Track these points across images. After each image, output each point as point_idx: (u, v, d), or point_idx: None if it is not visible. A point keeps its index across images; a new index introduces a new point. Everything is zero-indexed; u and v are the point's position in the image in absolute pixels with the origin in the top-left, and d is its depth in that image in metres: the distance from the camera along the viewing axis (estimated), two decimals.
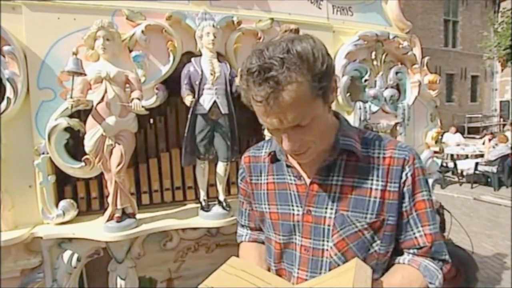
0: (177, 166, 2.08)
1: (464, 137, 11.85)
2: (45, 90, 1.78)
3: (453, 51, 19.47)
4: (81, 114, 1.80)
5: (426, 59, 2.72)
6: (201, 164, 1.89)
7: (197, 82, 1.81)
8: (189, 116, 1.82)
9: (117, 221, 1.75)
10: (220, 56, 1.95)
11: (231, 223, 1.93)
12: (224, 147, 1.88)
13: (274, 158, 1.00)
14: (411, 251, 0.91)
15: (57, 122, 1.75)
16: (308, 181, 0.92)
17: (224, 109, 1.85)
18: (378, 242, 0.88)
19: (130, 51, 1.87)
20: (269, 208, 0.99)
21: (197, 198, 2.07)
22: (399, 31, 2.67)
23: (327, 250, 0.89)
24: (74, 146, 1.82)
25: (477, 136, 13.66)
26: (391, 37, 2.45)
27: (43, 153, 1.77)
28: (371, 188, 0.87)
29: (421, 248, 0.89)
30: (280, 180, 0.98)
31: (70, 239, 1.80)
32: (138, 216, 1.86)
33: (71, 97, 1.60)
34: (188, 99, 1.77)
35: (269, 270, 1.02)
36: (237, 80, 1.86)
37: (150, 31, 1.90)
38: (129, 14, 1.87)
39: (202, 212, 1.91)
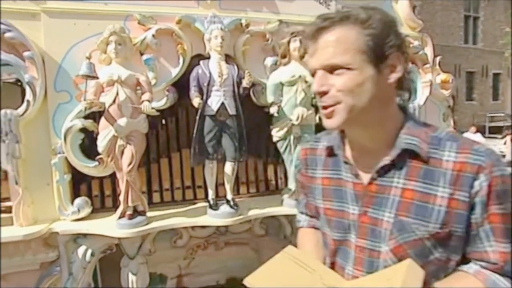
0: (187, 166, 2.13)
1: (485, 137, 11.51)
2: (62, 93, 1.87)
3: (473, 48, 18.92)
4: (95, 115, 1.87)
5: (438, 58, 2.69)
6: (209, 164, 1.94)
7: (205, 84, 1.86)
8: (197, 117, 1.87)
9: (129, 219, 1.82)
10: (228, 58, 1.99)
11: (239, 222, 1.97)
12: (232, 148, 1.92)
13: (331, 153, 0.95)
14: (480, 263, 0.81)
15: (72, 123, 1.83)
16: (365, 180, 0.86)
17: (232, 110, 1.89)
18: (441, 250, 0.80)
19: (142, 54, 1.94)
20: (323, 204, 0.96)
21: (206, 197, 2.12)
22: (410, 30, 2.64)
23: (383, 252, 0.84)
24: (89, 146, 1.89)
25: (499, 136, 13.24)
26: None
27: (59, 153, 1.86)
28: (435, 195, 0.78)
29: (491, 263, 0.80)
30: (336, 176, 0.94)
31: (84, 235, 1.89)
32: (149, 214, 1.92)
33: (85, 100, 1.67)
34: (196, 101, 1.82)
35: (325, 259, 1.00)
36: (244, 82, 1.90)
37: (161, 35, 1.96)
38: (140, 18, 1.94)
39: (210, 210, 1.95)
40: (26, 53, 1.78)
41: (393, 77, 0.79)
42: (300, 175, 1.06)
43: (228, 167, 1.95)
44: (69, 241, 1.90)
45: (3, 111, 1.75)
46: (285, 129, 2.01)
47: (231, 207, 1.96)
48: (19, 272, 1.86)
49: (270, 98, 2.03)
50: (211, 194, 1.99)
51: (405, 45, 0.81)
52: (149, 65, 1.93)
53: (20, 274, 1.87)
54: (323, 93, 0.79)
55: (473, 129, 10.06)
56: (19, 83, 1.91)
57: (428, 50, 2.68)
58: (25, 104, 1.81)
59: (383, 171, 0.83)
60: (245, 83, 1.89)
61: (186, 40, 1.99)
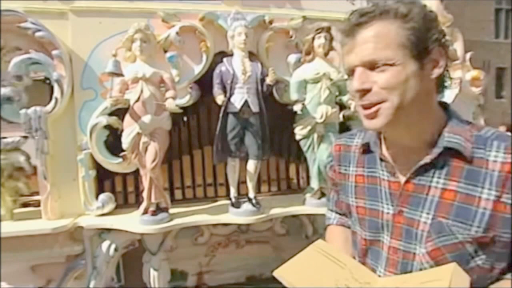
0: (209, 163, 2.13)
1: None
2: (88, 90, 1.90)
3: (504, 43, 18.06)
4: (120, 112, 1.89)
5: (469, 54, 2.57)
6: (232, 161, 1.93)
7: (228, 82, 1.85)
8: (220, 114, 1.86)
9: (152, 215, 1.83)
10: (251, 56, 1.97)
11: (261, 220, 1.95)
12: (255, 145, 1.90)
13: (367, 150, 0.92)
14: None
15: (97, 120, 1.86)
16: (402, 179, 0.83)
17: (255, 108, 1.87)
18: (483, 257, 0.75)
19: (165, 51, 1.95)
20: (356, 202, 0.94)
21: (228, 195, 2.11)
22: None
23: (418, 255, 0.81)
24: (113, 143, 1.92)
25: None
26: None
27: (85, 149, 1.90)
28: (480, 197, 0.74)
29: None
30: (371, 174, 0.91)
31: (108, 230, 1.92)
32: (171, 210, 1.93)
33: (111, 97, 1.70)
34: (220, 98, 1.81)
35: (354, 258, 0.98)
36: (268, 79, 1.87)
37: (184, 32, 1.96)
38: (164, 16, 1.94)
39: (232, 208, 1.95)
40: (54, 52, 1.82)
41: (436, 72, 0.76)
42: (332, 172, 1.04)
43: (251, 165, 1.94)
44: (93, 236, 1.94)
45: (33, 108, 1.79)
46: (309, 127, 1.97)
47: (253, 205, 1.94)
48: (47, 264, 1.92)
49: (293, 96, 1.99)
50: (233, 192, 1.98)
51: (446, 40, 0.78)
52: (172, 62, 1.93)
53: (48, 266, 1.93)
54: (365, 91, 0.76)
55: (502, 128, 9.65)
56: (48, 81, 1.95)
57: (458, 46, 2.57)
58: (53, 101, 1.85)
59: (422, 170, 0.80)
60: (268, 80, 1.87)
61: (209, 37, 1.98)
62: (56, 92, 1.84)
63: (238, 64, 1.87)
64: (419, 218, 0.80)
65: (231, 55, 1.94)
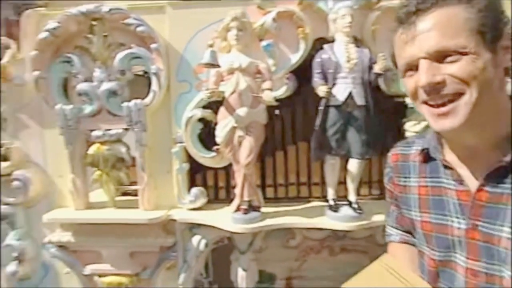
0: (304, 160, 1.97)
1: None
2: (183, 83, 1.88)
3: None
4: (214, 105, 1.83)
5: None
6: (331, 160, 1.74)
7: (330, 71, 1.65)
8: (320, 107, 1.68)
9: (243, 213, 1.75)
10: (356, 41, 1.74)
11: (362, 227, 1.73)
12: (359, 143, 1.67)
13: (427, 157, 0.84)
14: None
15: (192, 113, 1.83)
16: (473, 187, 0.74)
17: (360, 100, 1.65)
18: None
19: (260, 40, 1.82)
20: (420, 216, 0.85)
21: (323, 196, 1.93)
22: None
23: (506, 279, 0.68)
24: (206, 137, 1.87)
25: None
26: None
27: (179, 142, 1.88)
28: None
29: None
30: (435, 184, 0.82)
31: (199, 225, 1.90)
32: (263, 209, 1.82)
33: (207, 89, 1.64)
34: (322, 90, 1.63)
35: None
36: (377, 67, 1.63)
37: (281, 18, 1.81)
38: (260, 2, 1.82)
39: (329, 212, 1.76)
40: (153, 45, 1.83)
41: (507, 59, 0.69)
42: (391, 184, 0.97)
43: (353, 164, 1.72)
44: (185, 229, 1.94)
45: (133, 101, 1.84)
46: (423, 124, 1.67)
47: (354, 210, 1.72)
48: (143, 252, 1.98)
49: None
50: (331, 193, 1.79)
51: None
52: (268, 51, 1.80)
53: (143, 254, 1.99)
54: (435, 86, 0.67)
55: None
56: (146, 75, 1.98)
57: None
58: (151, 94, 1.87)
59: (496, 176, 0.70)
60: (377, 68, 1.62)
61: (307, 22, 1.80)
62: (154, 85, 1.86)
63: (341, 51, 1.66)
64: (499, 233, 0.69)
65: (332, 41, 1.73)
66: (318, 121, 1.69)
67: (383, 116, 1.83)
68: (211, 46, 1.66)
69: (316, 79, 1.69)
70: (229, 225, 1.77)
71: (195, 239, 1.91)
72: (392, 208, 1.02)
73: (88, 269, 1.96)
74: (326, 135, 1.70)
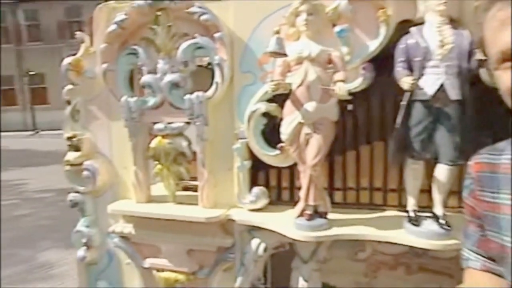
0: (379, 163, 1.72)
1: None
2: (247, 74, 1.76)
3: None
4: (279, 99, 1.68)
5: None
6: (413, 164, 1.48)
7: (417, 59, 1.39)
8: (402, 102, 1.43)
9: (308, 219, 1.57)
10: (452, 22, 1.44)
11: (449, 248, 1.44)
12: (450, 146, 1.39)
13: None
14: None
15: (256, 107, 1.71)
16: None
17: (454, 94, 1.36)
18: None
19: (334, 25, 1.61)
20: None
21: (400, 205, 1.67)
22: None
23: None
24: (270, 133, 1.73)
25: None
26: None
27: (241, 138, 1.77)
28: None
29: None
30: None
31: (259, 228, 1.77)
32: (329, 216, 1.63)
33: (272, 81, 1.49)
34: (406, 81, 1.37)
35: None
36: (479, 53, 1.32)
37: (357, 0, 1.58)
38: None
39: (409, 225, 1.50)
40: (217, 34, 1.74)
41: None
42: (472, 198, 0.83)
43: (442, 171, 1.43)
44: (244, 231, 1.82)
45: (195, 94, 1.77)
46: None
47: (440, 225, 1.44)
48: (200, 250, 1.92)
49: None
50: (412, 203, 1.53)
51: None
52: (342, 37, 1.59)
53: (200, 253, 1.93)
54: None
55: None
56: (209, 66, 1.91)
57: None
58: (213, 86, 1.79)
59: None
60: (480, 55, 1.32)
61: (390, 2, 1.54)
62: (217, 77, 1.77)
63: (433, 34, 1.38)
64: None
65: (421, 23, 1.46)
66: (399, 119, 1.44)
67: (484, 112, 1.51)
68: (277, 32, 1.51)
69: (399, 68, 1.44)
70: (291, 231, 1.61)
71: (254, 242, 1.79)
72: (472, 228, 0.85)
73: (147, 263, 1.96)
74: (408, 135, 1.44)
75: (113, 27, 1.81)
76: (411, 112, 1.43)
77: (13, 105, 25.51)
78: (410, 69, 1.42)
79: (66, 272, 4.04)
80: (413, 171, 1.49)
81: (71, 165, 2.01)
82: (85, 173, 1.99)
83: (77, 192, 2.06)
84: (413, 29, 1.45)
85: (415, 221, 1.50)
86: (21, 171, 10.71)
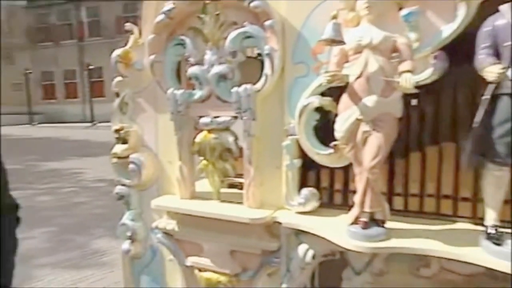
0: (448, 167, 1.50)
1: None
2: (299, 65, 1.62)
3: None
4: (335, 92, 1.52)
5: None
6: (495, 170, 1.24)
7: (507, 43, 1.16)
8: (484, 97, 1.20)
9: (363, 228, 1.40)
10: None
11: None
12: None
13: None
14: None
15: (308, 101, 1.56)
16: None
17: None
18: None
19: (400, 8, 1.42)
20: None
21: (474, 217, 1.44)
22: None
23: None
24: (324, 130, 1.58)
25: None
26: None
27: (291, 135, 1.64)
28: None
29: None
30: None
31: (307, 232, 1.62)
32: (388, 224, 1.44)
33: (327, 72, 1.34)
34: (493, 71, 1.15)
35: None
36: None
37: None
38: None
39: (487, 243, 1.27)
40: (267, 22, 1.62)
41: None
42: None
43: None
44: (291, 235, 1.69)
45: (243, 86, 1.68)
46: None
47: None
48: (244, 252, 1.83)
49: None
50: (492, 217, 1.29)
51: None
52: (410, 22, 1.38)
53: (244, 255, 1.84)
54: None
55: None
56: (259, 57, 1.79)
57: None
58: (263, 78, 1.68)
59: None
60: None
61: None
62: (267, 68, 1.65)
63: None
64: None
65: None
66: (479, 116, 1.22)
67: None
68: (334, 18, 1.35)
69: (483, 55, 1.21)
70: (343, 240, 1.45)
71: (301, 248, 1.65)
72: None
73: (189, 261, 1.90)
74: (490, 136, 1.22)
75: (161, 17, 1.76)
76: (496, 109, 1.20)
77: (75, 97, 27.93)
78: (497, 56, 1.19)
79: (117, 261, 4.21)
80: (496, 179, 1.25)
81: (118, 157, 2.02)
82: (131, 166, 1.99)
83: (123, 185, 2.06)
84: (503, 7, 1.21)
85: (496, 239, 1.26)
86: (80, 161, 11.59)
